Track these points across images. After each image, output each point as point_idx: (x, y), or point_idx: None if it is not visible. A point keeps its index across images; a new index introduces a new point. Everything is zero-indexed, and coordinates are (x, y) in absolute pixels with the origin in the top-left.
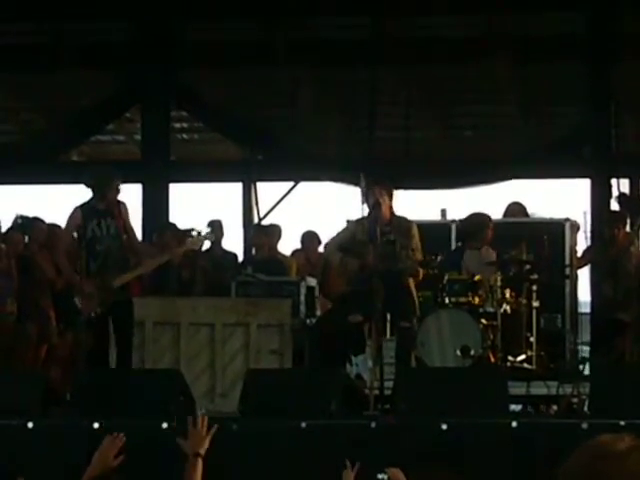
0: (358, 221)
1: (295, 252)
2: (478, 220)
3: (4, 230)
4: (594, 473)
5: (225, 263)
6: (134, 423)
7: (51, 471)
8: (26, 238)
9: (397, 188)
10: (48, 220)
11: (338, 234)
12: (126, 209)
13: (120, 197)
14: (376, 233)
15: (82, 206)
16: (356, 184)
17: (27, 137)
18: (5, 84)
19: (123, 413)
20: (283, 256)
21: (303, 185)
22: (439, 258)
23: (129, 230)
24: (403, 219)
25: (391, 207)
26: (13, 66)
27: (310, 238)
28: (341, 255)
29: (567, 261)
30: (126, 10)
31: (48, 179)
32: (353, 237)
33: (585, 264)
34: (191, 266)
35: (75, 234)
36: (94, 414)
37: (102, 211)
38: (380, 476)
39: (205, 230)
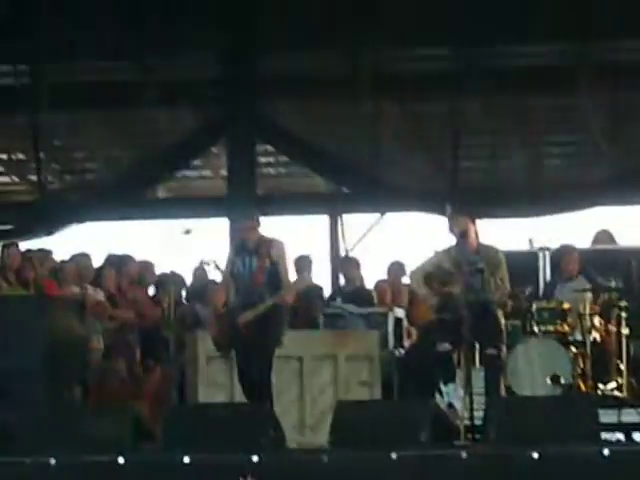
0: (445, 250)
1: (379, 282)
2: (563, 252)
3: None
4: None
5: (312, 296)
6: (226, 457)
7: None
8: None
9: (483, 217)
10: (138, 257)
11: (424, 263)
12: (279, 248)
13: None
14: (464, 262)
15: (237, 243)
16: (443, 214)
17: (113, 174)
18: (91, 121)
19: (214, 447)
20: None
21: (390, 216)
22: (528, 290)
23: (280, 270)
24: (491, 248)
25: (478, 236)
26: (98, 103)
27: (396, 268)
28: (425, 285)
29: None
30: (210, 45)
31: (135, 216)
32: (439, 266)
33: None
34: None
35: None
36: (185, 449)
37: (249, 249)
38: None
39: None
